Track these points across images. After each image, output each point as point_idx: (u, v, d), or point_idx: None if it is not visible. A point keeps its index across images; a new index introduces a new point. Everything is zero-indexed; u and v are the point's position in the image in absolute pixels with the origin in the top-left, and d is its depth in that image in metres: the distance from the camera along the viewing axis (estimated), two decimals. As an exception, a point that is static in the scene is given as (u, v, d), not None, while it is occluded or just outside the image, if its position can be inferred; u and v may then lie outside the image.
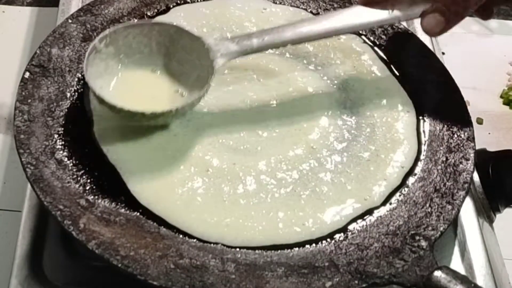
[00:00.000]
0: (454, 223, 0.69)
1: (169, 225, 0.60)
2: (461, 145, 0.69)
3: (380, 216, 0.64)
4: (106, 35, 0.65)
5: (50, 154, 0.63)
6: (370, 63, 0.77)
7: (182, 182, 0.63)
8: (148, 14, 0.78)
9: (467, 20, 1.06)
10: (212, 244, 0.60)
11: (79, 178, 0.62)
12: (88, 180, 0.62)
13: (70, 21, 0.74)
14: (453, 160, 0.68)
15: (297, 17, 0.79)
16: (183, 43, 0.67)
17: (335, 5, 0.81)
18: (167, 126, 0.67)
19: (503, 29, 1.07)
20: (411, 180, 0.67)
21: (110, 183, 0.63)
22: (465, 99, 0.74)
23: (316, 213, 0.63)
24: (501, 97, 0.97)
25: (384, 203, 0.65)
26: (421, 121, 0.72)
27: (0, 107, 0.88)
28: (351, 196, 0.65)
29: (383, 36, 0.80)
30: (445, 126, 0.71)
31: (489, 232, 0.73)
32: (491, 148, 0.76)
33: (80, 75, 0.70)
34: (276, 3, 0.81)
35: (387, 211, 0.64)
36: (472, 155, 0.68)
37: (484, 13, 0.73)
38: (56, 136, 0.65)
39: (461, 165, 0.67)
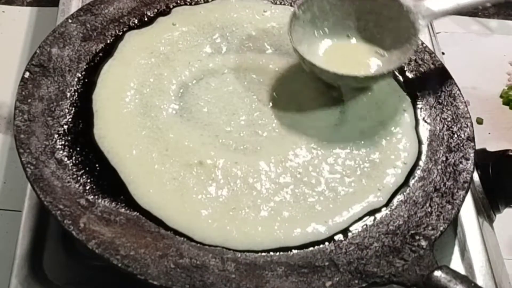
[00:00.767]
0: (454, 223, 0.69)
1: (168, 225, 0.60)
2: (461, 145, 0.69)
3: (380, 216, 0.64)
4: (304, 1, 0.69)
5: (50, 154, 0.63)
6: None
7: (184, 185, 0.63)
8: (148, 14, 0.78)
9: (467, 20, 1.07)
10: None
11: (79, 178, 0.62)
12: (88, 180, 0.62)
13: (70, 20, 0.74)
14: (453, 160, 0.68)
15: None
16: (377, 5, 0.70)
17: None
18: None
19: (503, 29, 1.07)
20: (411, 179, 0.67)
21: (110, 183, 0.63)
22: (465, 99, 0.74)
23: (319, 214, 0.63)
24: (501, 97, 0.97)
25: (387, 203, 0.65)
26: (421, 121, 0.72)
27: (0, 107, 0.88)
28: (353, 196, 0.65)
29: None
30: (445, 126, 0.71)
31: (489, 232, 0.73)
32: (491, 148, 0.76)
33: (80, 75, 0.70)
34: (276, 3, 0.81)
35: (387, 210, 0.64)
36: (472, 155, 0.68)
37: None
38: (56, 135, 0.65)
39: (461, 165, 0.67)
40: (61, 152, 0.64)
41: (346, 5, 0.71)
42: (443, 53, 0.94)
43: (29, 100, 0.66)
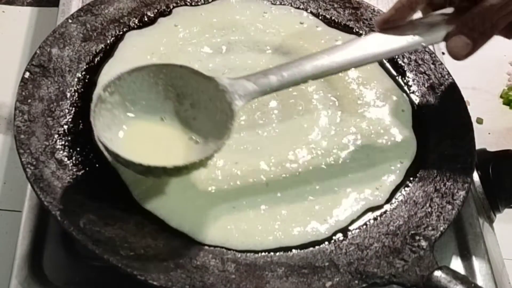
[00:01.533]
0: (454, 223, 0.69)
1: (169, 225, 0.60)
2: (461, 145, 0.69)
3: (380, 216, 0.64)
4: (110, 83, 0.60)
5: (50, 154, 0.63)
6: (370, 64, 0.77)
7: (184, 185, 0.63)
8: (149, 14, 0.78)
9: (467, 20, 1.06)
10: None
11: (79, 178, 0.62)
12: (88, 180, 0.62)
13: (70, 21, 0.74)
14: (453, 160, 0.68)
15: (298, 19, 0.79)
16: (193, 85, 0.62)
17: (335, 5, 0.81)
18: None
19: (503, 29, 1.07)
20: (411, 180, 0.67)
21: (110, 183, 0.62)
22: (465, 99, 0.74)
23: (318, 214, 0.63)
24: (501, 97, 0.97)
25: (386, 202, 0.65)
26: (421, 121, 0.72)
27: (0, 107, 0.88)
28: (353, 196, 0.65)
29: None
30: (445, 126, 0.71)
31: (489, 232, 0.73)
32: (491, 148, 0.76)
33: (80, 75, 0.70)
34: (276, 4, 0.81)
35: (387, 211, 0.64)
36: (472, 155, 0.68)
37: (509, 32, 0.68)
38: (56, 136, 0.65)
39: (461, 165, 0.67)
40: (61, 152, 0.64)
41: (161, 85, 0.62)
42: (443, 53, 0.94)
43: (29, 101, 0.66)
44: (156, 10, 0.78)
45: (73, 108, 0.68)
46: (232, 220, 0.61)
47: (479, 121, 0.93)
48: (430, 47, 0.81)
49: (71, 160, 0.63)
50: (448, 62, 0.81)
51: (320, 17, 0.80)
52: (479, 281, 0.65)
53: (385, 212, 0.64)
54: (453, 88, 0.75)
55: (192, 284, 0.56)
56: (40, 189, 0.59)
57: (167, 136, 0.62)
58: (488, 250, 0.68)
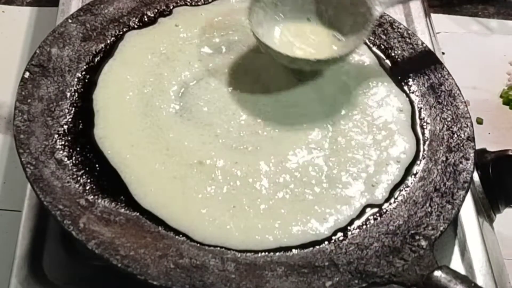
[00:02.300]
0: (454, 223, 0.69)
1: (169, 225, 0.60)
2: (461, 144, 0.69)
3: (380, 216, 0.64)
4: None
5: (50, 154, 0.63)
6: (369, 65, 0.77)
7: (184, 185, 0.63)
8: (148, 13, 0.78)
9: (467, 20, 1.07)
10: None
11: (79, 178, 0.62)
12: (88, 180, 0.62)
13: (70, 20, 0.74)
14: (453, 160, 0.68)
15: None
16: None
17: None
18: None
19: (503, 29, 1.07)
20: (411, 179, 0.67)
21: (110, 183, 0.63)
22: (465, 99, 0.74)
23: (318, 213, 0.63)
24: (501, 97, 0.97)
25: (385, 201, 0.65)
26: (421, 120, 0.72)
27: (0, 107, 0.88)
28: (352, 195, 0.65)
29: (383, 36, 0.80)
30: (445, 126, 0.71)
31: (489, 232, 0.73)
32: (491, 148, 0.76)
33: (79, 75, 0.70)
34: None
35: (387, 210, 0.64)
36: (472, 154, 0.68)
37: None
38: (56, 136, 0.65)
39: (461, 165, 0.67)
40: (61, 152, 0.64)
41: None
42: (443, 53, 0.94)
43: (29, 100, 0.66)
44: (156, 10, 0.78)
45: (73, 108, 0.68)
46: (232, 219, 0.61)
47: (479, 121, 0.93)
48: (431, 47, 0.81)
49: (71, 160, 0.63)
50: (448, 62, 0.82)
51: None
52: (479, 281, 0.65)
53: (385, 211, 0.64)
54: (453, 88, 0.74)
55: (192, 283, 0.56)
56: (39, 189, 0.59)
57: (313, 34, 0.73)
58: (488, 250, 0.68)
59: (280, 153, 0.67)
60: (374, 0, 0.70)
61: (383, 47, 0.79)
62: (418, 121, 0.72)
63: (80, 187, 0.61)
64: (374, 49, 0.79)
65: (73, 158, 0.64)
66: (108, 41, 0.74)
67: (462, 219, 0.70)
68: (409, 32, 0.80)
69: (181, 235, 0.60)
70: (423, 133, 0.71)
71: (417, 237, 0.60)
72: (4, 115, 0.88)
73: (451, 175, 0.66)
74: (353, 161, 0.67)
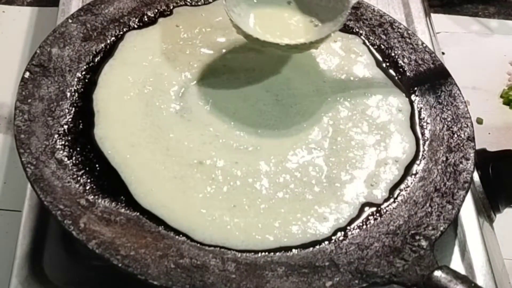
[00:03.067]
0: (454, 223, 0.69)
1: (169, 225, 0.60)
2: (461, 145, 0.69)
3: (380, 216, 0.64)
4: None
5: (50, 154, 0.63)
6: (369, 65, 0.77)
7: (184, 185, 0.63)
8: (149, 14, 0.78)
9: (467, 20, 1.07)
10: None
11: (79, 178, 0.62)
12: (88, 180, 0.62)
13: (70, 20, 0.74)
14: (453, 160, 0.68)
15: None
16: None
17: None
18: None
19: (503, 29, 1.07)
20: (411, 179, 0.67)
21: (110, 183, 0.63)
22: (465, 99, 0.74)
23: (318, 213, 0.63)
24: (501, 97, 0.97)
25: (385, 201, 0.65)
26: (421, 120, 0.72)
27: (0, 107, 0.88)
28: (352, 195, 0.65)
29: (383, 36, 0.80)
30: (445, 126, 0.71)
31: (489, 232, 0.73)
32: (491, 148, 0.76)
33: (80, 75, 0.70)
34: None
35: (388, 210, 0.64)
36: (472, 154, 0.68)
37: None
38: (56, 136, 0.65)
39: (461, 165, 0.67)
40: (61, 152, 0.64)
41: None
42: (443, 53, 0.94)
43: (29, 100, 0.66)
44: (156, 10, 0.78)
45: (73, 108, 0.68)
46: (232, 219, 0.61)
47: (479, 121, 0.93)
48: (430, 47, 0.81)
49: (71, 160, 0.63)
50: (448, 62, 0.82)
51: (320, 17, 0.81)
52: (479, 281, 0.65)
53: (385, 211, 0.64)
54: (453, 88, 0.75)
55: (192, 283, 0.56)
56: (40, 189, 0.59)
57: (291, 18, 0.73)
58: (488, 250, 0.68)
59: (280, 153, 0.67)
60: None
61: (383, 47, 0.79)
62: (418, 121, 0.72)
63: (81, 187, 0.61)
64: (374, 49, 0.79)
65: (74, 158, 0.64)
66: (109, 41, 0.74)
67: (462, 219, 0.70)
68: (409, 32, 0.80)
69: (181, 235, 0.60)
70: (423, 133, 0.71)
71: (417, 237, 0.60)
72: (5, 115, 0.88)
73: (451, 175, 0.66)
74: (353, 161, 0.67)
